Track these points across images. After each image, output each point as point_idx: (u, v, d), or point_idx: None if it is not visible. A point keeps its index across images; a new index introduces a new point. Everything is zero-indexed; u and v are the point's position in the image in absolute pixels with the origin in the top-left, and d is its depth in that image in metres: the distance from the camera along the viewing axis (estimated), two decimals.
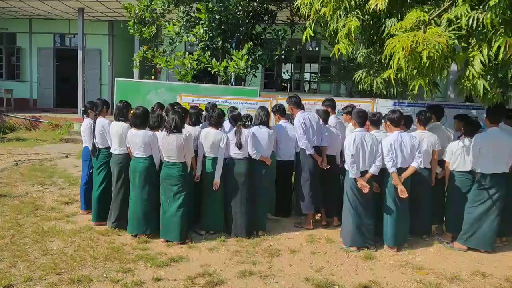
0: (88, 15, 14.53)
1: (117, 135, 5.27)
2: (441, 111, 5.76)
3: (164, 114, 5.61)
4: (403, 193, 4.83)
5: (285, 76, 16.45)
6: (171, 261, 4.49)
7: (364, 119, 5.05)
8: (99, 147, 5.53)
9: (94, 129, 5.48)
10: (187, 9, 8.56)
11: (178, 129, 4.91)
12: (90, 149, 5.60)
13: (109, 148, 5.46)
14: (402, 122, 5.10)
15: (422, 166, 5.16)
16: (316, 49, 15.32)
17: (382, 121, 5.29)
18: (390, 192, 4.98)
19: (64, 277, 4.04)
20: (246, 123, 5.38)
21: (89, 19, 15.19)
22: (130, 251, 4.74)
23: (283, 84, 16.31)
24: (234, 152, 5.28)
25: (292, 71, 16.00)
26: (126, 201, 5.24)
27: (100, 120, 5.53)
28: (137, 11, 8.71)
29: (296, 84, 16.08)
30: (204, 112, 6.09)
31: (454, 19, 4.06)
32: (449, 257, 4.88)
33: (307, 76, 16.38)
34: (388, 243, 5.03)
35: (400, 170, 4.90)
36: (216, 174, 5.18)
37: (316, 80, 15.83)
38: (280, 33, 8.54)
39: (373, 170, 4.93)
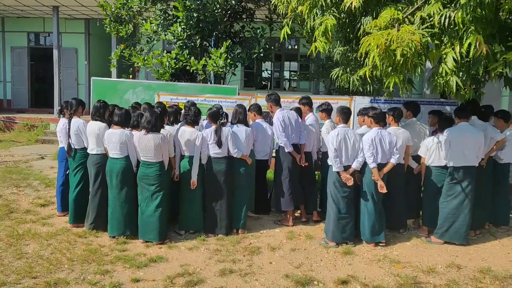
0: (63, 13, 14.23)
1: (94, 135, 5.19)
2: (417, 107, 5.87)
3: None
4: (383, 189, 4.90)
5: (265, 74, 16.47)
6: (150, 262, 4.45)
7: (348, 116, 5.10)
8: (75, 147, 5.44)
9: (69, 129, 5.38)
10: (164, 7, 8.46)
11: (155, 128, 4.87)
12: (65, 149, 5.49)
13: (85, 148, 5.38)
14: (382, 119, 5.16)
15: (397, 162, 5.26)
16: (295, 47, 15.39)
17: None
18: (368, 187, 5.04)
19: (40, 281, 3.96)
20: (222, 121, 5.37)
21: (65, 17, 14.88)
22: (108, 252, 4.68)
23: (263, 82, 16.33)
24: (214, 152, 5.26)
25: (271, 69, 16.03)
26: (103, 202, 5.17)
27: (75, 120, 5.44)
28: (113, 9, 8.56)
29: (276, 82, 16.12)
30: (182, 111, 6.05)
31: (427, 17, 4.13)
32: (426, 251, 4.98)
33: (286, 74, 16.44)
34: (366, 238, 5.09)
35: (379, 166, 4.97)
36: (192, 173, 5.16)
37: (296, 78, 15.91)
38: (258, 31, 8.54)
39: (356, 165, 4.99)
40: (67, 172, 5.65)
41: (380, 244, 5.05)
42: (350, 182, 4.93)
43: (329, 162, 5.06)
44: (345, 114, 5.08)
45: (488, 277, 4.28)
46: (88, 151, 5.32)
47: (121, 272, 4.22)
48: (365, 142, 4.95)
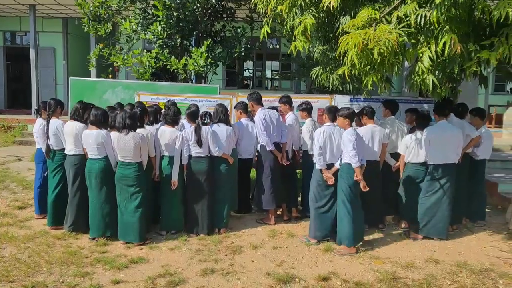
0: (40, 12, 13.95)
1: (72, 135, 5.11)
2: (395, 106, 5.96)
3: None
4: (366, 188, 4.88)
5: (247, 73, 16.48)
6: (130, 263, 4.41)
7: (335, 115, 5.12)
8: (54, 148, 5.34)
9: (47, 130, 5.28)
10: (143, 6, 8.37)
11: (134, 127, 4.82)
12: (43, 150, 5.39)
13: (64, 149, 5.29)
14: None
15: (372, 159, 5.38)
16: (277, 46, 15.44)
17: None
18: (345, 189, 4.88)
19: (17, 284, 3.89)
20: (205, 121, 5.35)
21: (42, 16, 14.58)
22: (88, 254, 4.62)
23: (245, 81, 16.33)
24: (195, 151, 5.24)
25: (253, 68, 16.04)
26: (83, 203, 5.10)
27: (54, 121, 5.35)
28: (91, 8, 8.43)
29: (258, 82, 16.15)
30: (162, 111, 6.00)
31: (403, 16, 4.20)
32: (404, 246, 5.07)
33: (268, 73, 16.48)
34: (347, 243, 4.86)
35: (329, 166, 4.98)
36: (173, 173, 5.13)
37: (277, 77, 15.96)
38: (239, 30, 8.54)
39: (339, 164, 5.03)
40: (45, 174, 5.54)
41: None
42: (331, 181, 4.97)
43: (314, 159, 5.09)
44: (332, 113, 5.13)
45: (464, 271, 4.38)
46: (66, 152, 5.23)
47: (101, 274, 4.17)
48: (348, 141, 4.84)
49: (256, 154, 6.10)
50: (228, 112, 5.78)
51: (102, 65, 9.27)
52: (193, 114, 5.31)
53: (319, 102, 6.63)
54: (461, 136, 5.23)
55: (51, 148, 5.34)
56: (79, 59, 14.99)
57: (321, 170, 5.01)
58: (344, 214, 4.84)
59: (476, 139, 5.53)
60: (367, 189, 4.88)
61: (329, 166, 5.03)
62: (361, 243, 5.05)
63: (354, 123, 5.08)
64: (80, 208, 5.13)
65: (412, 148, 5.35)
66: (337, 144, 5.02)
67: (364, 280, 4.15)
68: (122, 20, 8.42)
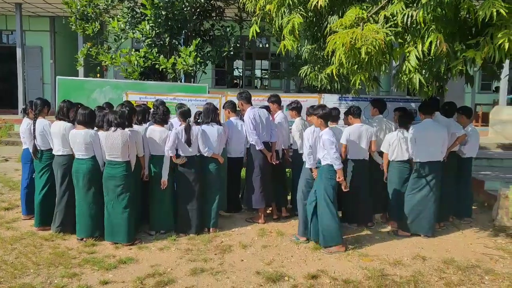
0: (27, 10, 13.78)
1: (59, 136, 5.05)
2: (383, 105, 6.01)
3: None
4: (347, 188, 4.88)
5: (236, 72, 16.47)
6: (119, 263, 4.39)
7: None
8: (41, 149, 5.28)
9: (34, 130, 5.22)
10: (131, 5, 8.33)
11: (123, 125, 4.79)
12: (30, 150, 5.33)
13: (51, 149, 5.23)
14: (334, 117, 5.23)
15: (360, 158, 5.48)
16: (266, 45, 15.45)
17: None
18: (328, 190, 4.82)
19: (4, 286, 3.84)
20: (198, 121, 5.34)
21: (28, 14, 14.40)
22: (76, 255, 4.58)
23: (235, 80, 16.32)
24: (184, 150, 5.22)
25: (243, 67, 16.04)
26: (71, 204, 5.05)
27: (41, 120, 5.29)
28: (78, 7, 8.36)
29: (248, 81, 16.15)
30: (151, 110, 5.98)
31: (390, 16, 4.25)
32: (393, 244, 5.12)
33: (258, 72, 16.49)
34: (336, 242, 4.80)
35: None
36: (163, 173, 5.11)
37: (267, 76, 15.97)
38: (228, 29, 8.53)
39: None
40: (33, 176, 5.47)
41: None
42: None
43: (304, 158, 5.11)
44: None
45: (451, 268, 4.44)
46: (53, 152, 5.18)
47: (89, 274, 4.14)
48: (330, 143, 4.71)
49: (246, 153, 6.11)
50: (218, 111, 5.77)
51: (90, 65, 9.19)
52: (185, 114, 5.29)
53: (308, 101, 6.65)
54: (446, 134, 5.30)
55: (38, 148, 5.28)
56: (66, 58, 14.82)
57: (311, 169, 5.03)
58: (330, 215, 4.78)
59: (461, 138, 5.60)
60: (348, 189, 4.87)
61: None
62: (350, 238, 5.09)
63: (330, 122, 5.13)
64: (68, 208, 5.08)
65: (395, 146, 5.40)
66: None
67: (353, 277, 4.18)
68: (110, 19, 8.36)
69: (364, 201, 5.55)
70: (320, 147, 4.85)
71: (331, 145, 4.69)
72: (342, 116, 5.96)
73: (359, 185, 5.48)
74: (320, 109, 4.86)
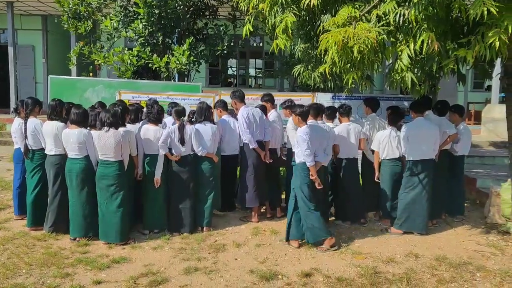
0: (19, 9, 13.65)
1: (52, 135, 5.02)
2: (376, 103, 6.04)
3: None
4: (320, 186, 4.86)
5: (230, 71, 16.45)
6: (112, 263, 4.37)
7: (317, 111, 5.15)
8: (32, 148, 5.25)
9: (25, 129, 5.18)
10: (124, 3, 8.29)
11: (115, 125, 4.77)
12: (22, 150, 5.29)
13: (43, 149, 5.20)
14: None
15: (351, 156, 5.55)
16: (260, 44, 15.43)
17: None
18: (304, 188, 4.84)
19: None
20: (192, 119, 5.33)
21: (20, 13, 14.27)
22: (68, 255, 4.56)
23: (229, 79, 16.31)
24: (178, 150, 5.21)
25: (237, 66, 16.02)
26: (63, 204, 5.02)
27: (32, 120, 5.24)
28: (71, 5, 8.31)
29: (242, 80, 16.13)
30: (144, 109, 5.96)
31: (382, 15, 4.26)
32: (385, 241, 5.15)
33: (252, 71, 16.48)
34: (323, 236, 4.83)
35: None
36: (156, 172, 5.11)
37: (261, 75, 15.97)
38: (222, 28, 8.53)
39: (323, 160, 5.04)
40: (25, 176, 5.43)
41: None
42: (316, 180, 4.99)
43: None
44: (314, 109, 5.16)
45: (443, 265, 4.47)
46: (46, 152, 5.14)
47: (82, 274, 4.12)
48: (302, 141, 4.72)
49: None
50: (212, 110, 5.77)
51: (83, 64, 9.15)
52: (180, 112, 5.28)
53: (301, 100, 6.66)
54: (438, 133, 5.34)
55: (29, 148, 5.24)
56: (59, 57, 14.73)
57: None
58: (309, 211, 4.78)
59: (453, 137, 5.63)
60: (321, 187, 4.85)
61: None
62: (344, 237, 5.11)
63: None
64: (61, 208, 5.05)
65: (386, 144, 5.44)
66: (319, 141, 5.04)
67: (346, 275, 4.20)
68: (103, 17, 8.32)
69: (356, 199, 5.59)
70: (295, 144, 4.89)
71: (303, 142, 4.69)
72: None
73: (349, 183, 5.54)
74: (298, 107, 4.90)
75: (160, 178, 5.16)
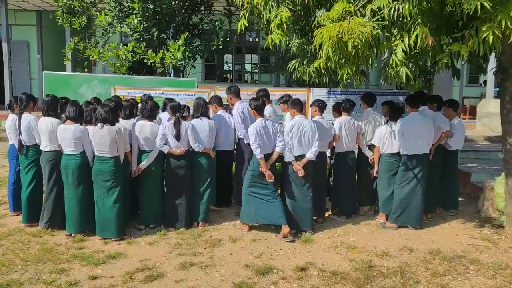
0: (12, 4, 13.56)
1: (47, 132, 5.00)
2: (373, 98, 6.04)
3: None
4: (271, 178, 5.04)
5: (226, 67, 16.43)
6: (108, 258, 4.38)
7: (300, 106, 5.21)
8: (26, 144, 5.23)
9: (19, 125, 5.17)
10: None
11: (110, 121, 4.77)
12: (16, 146, 5.27)
13: (37, 145, 5.19)
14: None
15: (348, 150, 5.63)
16: (256, 39, 15.42)
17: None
18: (249, 176, 5.19)
19: None
20: (184, 114, 5.32)
21: (14, 9, 14.19)
22: (64, 251, 4.56)
23: (225, 75, 16.29)
24: (173, 145, 5.21)
25: (232, 62, 16.00)
26: (59, 200, 5.02)
27: (26, 116, 5.22)
28: (65, 0, 8.27)
29: (238, 75, 16.12)
30: (139, 105, 5.95)
31: (377, 9, 4.26)
32: (380, 236, 5.18)
33: (247, 67, 16.47)
34: (243, 220, 5.28)
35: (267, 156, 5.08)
36: (144, 163, 5.14)
37: (256, 70, 15.96)
38: (217, 23, 8.51)
39: (310, 155, 5.09)
40: (18, 170, 5.42)
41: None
42: (301, 173, 5.03)
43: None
44: (297, 105, 5.18)
45: (437, 258, 4.51)
46: (41, 148, 5.12)
47: (78, 270, 4.13)
48: (250, 134, 4.98)
49: (235, 148, 6.11)
50: (208, 106, 5.76)
51: (77, 59, 9.12)
52: (175, 108, 5.27)
53: (297, 95, 6.66)
54: (432, 127, 5.36)
55: (24, 143, 5.22)
56: (54, 53, 14.62)
57: (290, 162, 5.06)
58: (245, 198, 5.19)
59: (446, 133, 5.67)
60: (273, 179, 5.04)
61: (298, 158, 5.09)
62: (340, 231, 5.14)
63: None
64: (56, 204, 5.04)
65: (386, 139, 5.46)
66: (305, 136, 5.07)
67: (341, 269, 4.23)
68: (97, 13, 8.28)
69: (352, 193, 5.62)
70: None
71: (251, 136, 4.98)
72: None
73: (346, 177, 5.57)
74: (253, 100, 5.17)
75: (156, 173, 5.16)
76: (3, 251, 4.51)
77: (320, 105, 5.50)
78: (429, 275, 4.13)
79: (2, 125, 12.00)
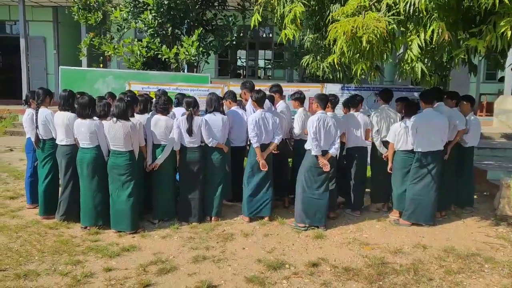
0: (30, 0, 13.77)
1: (63, 126, 5.09)
2: (388, 94, 5.99)
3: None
4: (265, 167, 5.32)
5: (240, 62, 16.44)
6: (122, 251, 4.44)
7: (325, 102, 5.19)
8: (43, 138, 5.33)
9: (36, 119, 5.26)
10: None
11: (124, 116, 4.82)
12: (33, 140, 5.37)
13: (53, 139, 5.28)
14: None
15: (359, 145, 5.69)
16: (270, 35, 15.38)
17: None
18: (248, 166, 5.46)
19: (9, 273, 3.91)
20: (189, 108, 5.33)
21: (31, 5, 14.38)
22: (80, 243, 4.64)
23: (238, 71, 16.30)
24: (187, 140, 5.25)
25: (246, 57, 15.99)
26: (75, 193, 5.11)
27: (43, 110, 5.32)
28: None
29: (251, 71, 16.11)
30: (153, 100, 5.99)
31: (392, 4, 4.21)
32: (394, 232, 5.15)
33: (261, 62, 16.44)
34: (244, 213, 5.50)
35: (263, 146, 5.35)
36: (160, 158, 5.19)
37: (270, 66, 15.93)
38: (231, 19, 8.51)
39: (333, 151, 5.10)
40: (35, 164, 5.53)
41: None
42: (327, 168, 5.03)
43: (307, 146, 5.14)
44: (322, 100, 5.16)
45: (451, 256, 4.46)
46: (57, 142, 5.22)
47: (93, 262, 4.20)
48: (249, 124, 5.28)
49: (248, 143, 6.11)
50: (222, 102, 5.77)
51: (93, 55, 9.22)
52: (188, 103, 5.31)
53: (310, 90, 6.64)
54: (447, 124, 5.29)
55: (40, 137, 5.32)
56: (70, 48, 14.83)
57: (316, 156, 5.05)
58: (247, 189, 5.43)
59: (461, 132, 5.59)
60: (266, 168, 5.30)
61: (323, 152, 5.08)
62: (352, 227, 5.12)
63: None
64: (72, 197, 5.14)
65: (401, 136, 5.41)
66: (329, 131, 5.06)
67: (353, 265, 4.22)
68: (113, 8, 8.36)
69: (363, 188, 5.74)
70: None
71: (249, 125, 5.28)
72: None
73: (358, 172, 5.67)
74: (254, 92, 5.44)
75: (169, 167, 5.22)
76: (21, 243, 4.61)
77: (332, 100, 5.49)
78: (442, 273, 4.09)
79: (20, 119, 12.24)
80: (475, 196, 6.20)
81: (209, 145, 5.33)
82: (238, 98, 6.11)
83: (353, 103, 5.75)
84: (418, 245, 4.75)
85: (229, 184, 5.86)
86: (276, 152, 5.81)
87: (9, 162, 8.30)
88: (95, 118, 4.96)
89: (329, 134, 5.08)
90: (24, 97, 12.83)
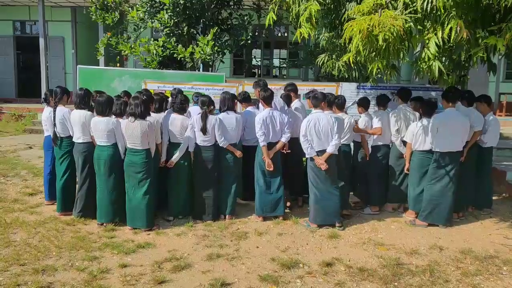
0: (49, 1, 13.99)
1: (79, 124, 5.17)
2: (407, 93, 5.90)
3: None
4: (270, 167, 5.31)
5: (254, 62, 16.43)
6: (138, 248, 4.50)
7: (319, 101, 5.15)
8: (61, 136, 5.43)
9: (54, 117, 5.36)
10: None
11: (141, 115, 4.87)
12: (51, 138, 5.48)
13: (71, 137, 5.37)
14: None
15: (380, 143, 5.71)
16: (285, 34, 15.34)
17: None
18: (257, 165, 5.50)
19: (28, 268, 3.99)
20: (209, 108, 5.37)
21: (50, 5, 14.63)
22: (96, 239, 4.71)
23: (253, 70, 16.29)
24: (201, 139, 5.28)
25: (261, 56, 15.98)
26: (92, 190, 5.19)
27: (60, 108, 5.42)
28: None
29: (266, 70, 16.09)
30: (169, 99, 6.04)
31: (409, 2, 4.16)
32: (409, 233, 5.09)
33: (276, 61, 16.41)
34: (256, 212, 5.50)
35: (270, 145, 5.34)
36: (175, 156, 5.25)
37: (285, 65, 15.89)
38: (246, 18, 8.52)
39: (331, 149, 5.04)
40: (53, 160, 5.63)
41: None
42: (324, 167, 4.99)
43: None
44: (316, 99, 5.14)
45: (468, 258, 4.39)
46: (74, 139, 5.30)
47: (109, 258, 4.26)
48: (257, 122, 5.26)
49: None
50: (236, 101, 5.78)
51: (110, 54, 9.34)
52: (203, 102, 5.34)
53: (325, 90, 6.59)
54: (467, 124, 5.20)
55: (58, 135, 5.42)
56: (88, 48, 15.04)
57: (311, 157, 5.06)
58: (258, 188, 5.44)
59: (478, 133, 5.49)
60: (271, 168, 5.30)
61: (320, 152, 5.05)
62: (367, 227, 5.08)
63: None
64: (89, 194, 5.22)
65: (419, 136, 5.33)
66: (323, 130, 5.03)
67: (368, 266, 4.18)
68: (130, 8, 8.45)
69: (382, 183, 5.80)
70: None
71: (257, 125, 5.28)
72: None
73: (380, 169, 5.80)
74: (262, 91, 5.43)
75: (184, 165, 5.27)
76: (39, 238, 4.70)
77: (336, 101, 5.53)
78: (459, 275, 4.03)
79: (39, 118, 12.49)
80: (494, 198, 6.09)
81: (220, 145, 5.35)
82: (253, 97, 6.10)
83: (381, 101, 5.84)
84: (435, 246, 4.69)
85: (241, 183, 5.86)
86: (287, 151, 5.80)
87: (28, 159, 8.47)
88: (112, 116, 5.03)
89: (324, 133, 5.03)
90: (43, 96, 13.12)
